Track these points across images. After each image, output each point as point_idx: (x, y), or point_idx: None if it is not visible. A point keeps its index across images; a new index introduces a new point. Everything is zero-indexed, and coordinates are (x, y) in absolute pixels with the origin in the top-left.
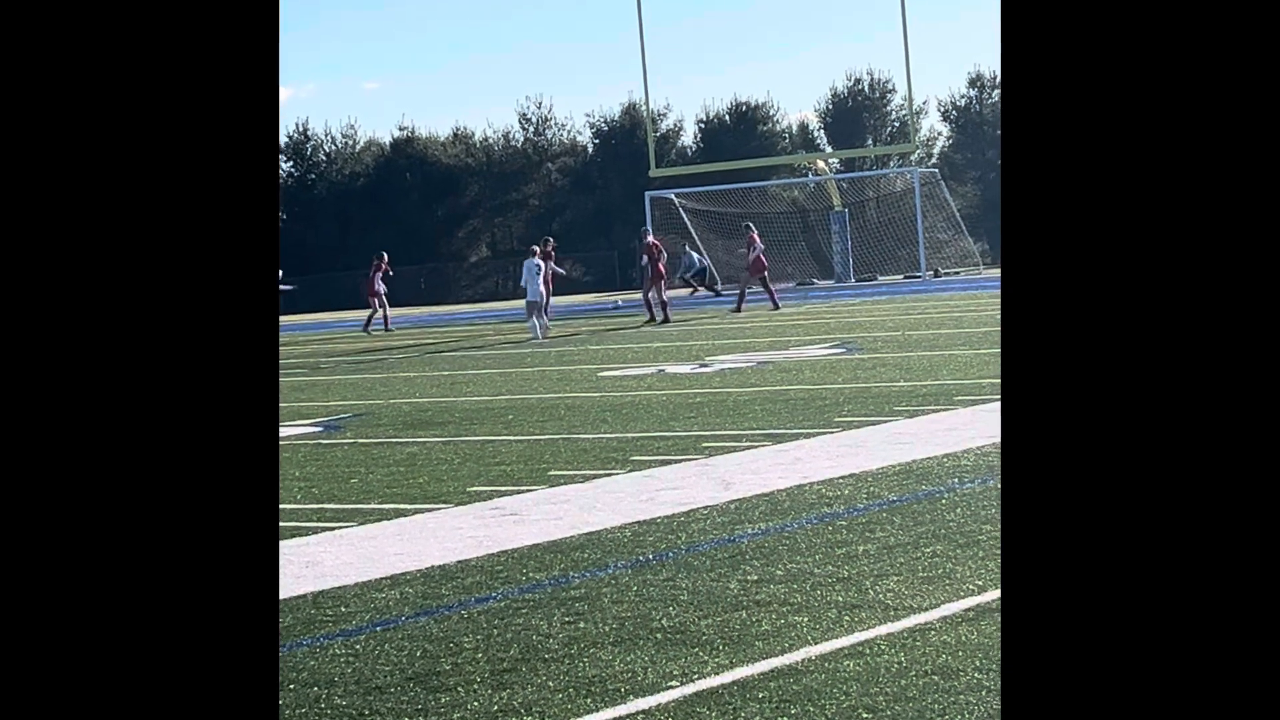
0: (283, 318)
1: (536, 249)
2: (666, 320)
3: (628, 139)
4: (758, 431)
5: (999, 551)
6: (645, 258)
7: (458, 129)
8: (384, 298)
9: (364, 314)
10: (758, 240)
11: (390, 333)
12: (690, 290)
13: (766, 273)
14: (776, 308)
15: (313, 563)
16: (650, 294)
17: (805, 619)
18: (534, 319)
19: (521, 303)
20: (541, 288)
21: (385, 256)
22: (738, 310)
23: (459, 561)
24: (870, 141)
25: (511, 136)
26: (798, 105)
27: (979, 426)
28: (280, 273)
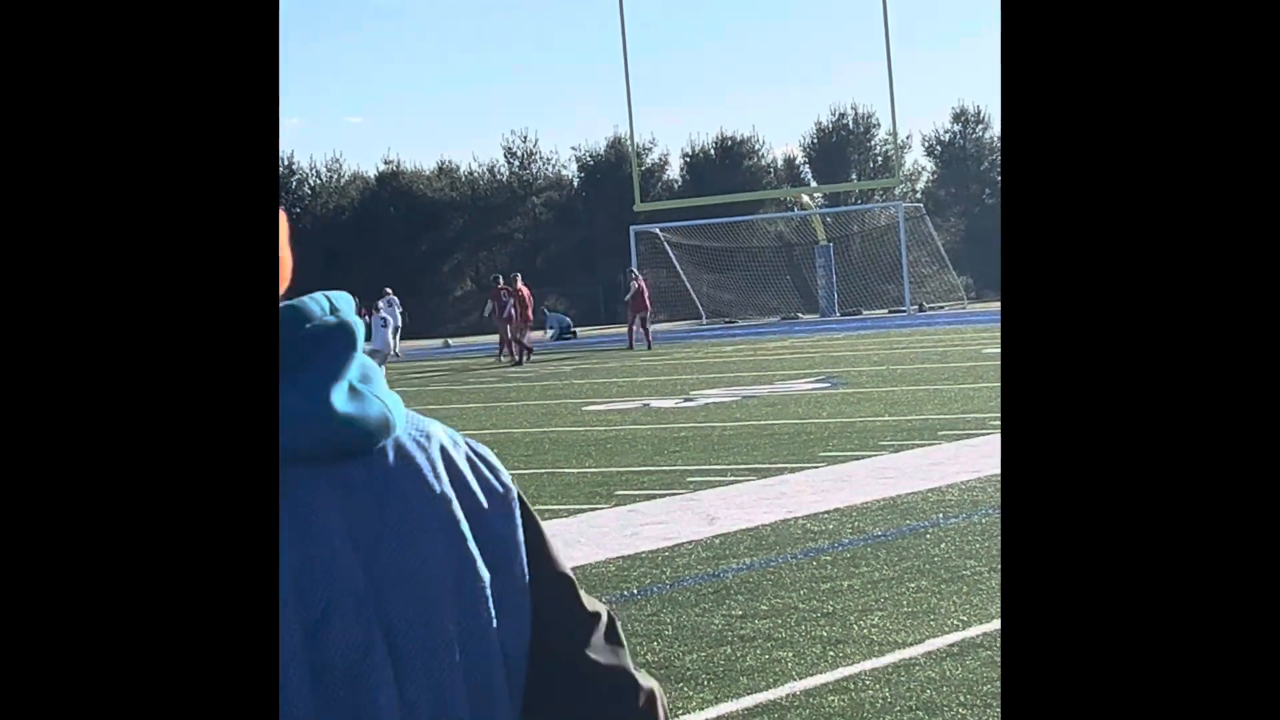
0: None
1: (386, 294)
2: (519, 362)
3: (613, 173)
4: (742, 466)
5: (983, 586)
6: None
7: (443, 163)
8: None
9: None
10: (640, 281)
11: None
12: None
13: (645, 313)
14: (629, 349)
15: None
16: (518, 334)
17: (790, 654)
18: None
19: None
20: (390, 338)
21: (389, 292)
22: (648, 347)
23: None
24: (854, 176)
25: (497, 170)
26: (783, 139)
27: (963, 461)
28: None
